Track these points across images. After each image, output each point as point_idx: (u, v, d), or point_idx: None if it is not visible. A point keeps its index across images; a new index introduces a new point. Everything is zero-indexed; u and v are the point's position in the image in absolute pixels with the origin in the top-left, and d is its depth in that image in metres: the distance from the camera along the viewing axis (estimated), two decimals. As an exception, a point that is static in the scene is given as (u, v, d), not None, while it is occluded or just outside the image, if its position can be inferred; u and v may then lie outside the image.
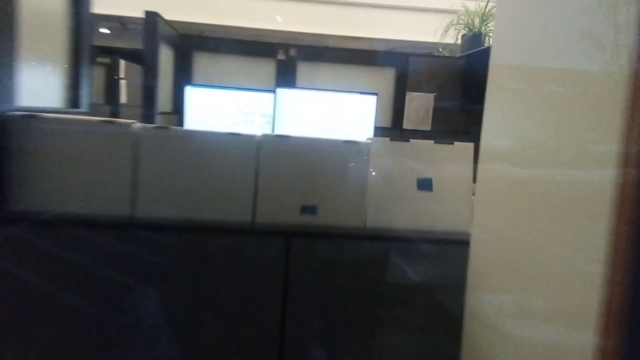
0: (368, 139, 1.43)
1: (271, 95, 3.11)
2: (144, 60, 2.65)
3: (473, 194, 1.34)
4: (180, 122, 2.95)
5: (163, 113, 2.88)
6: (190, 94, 2.88)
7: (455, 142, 1.40)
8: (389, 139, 1.39)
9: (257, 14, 6.53)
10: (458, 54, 3.79)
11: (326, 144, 1.39)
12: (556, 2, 0.89)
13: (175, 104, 3.16)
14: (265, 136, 1.38)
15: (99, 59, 4.68)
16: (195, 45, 3.29)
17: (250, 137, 1.37)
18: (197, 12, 6.44)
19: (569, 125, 0.80)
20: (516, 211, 0.99)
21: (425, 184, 1.34)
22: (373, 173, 1.38)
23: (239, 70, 3.40)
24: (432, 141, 1.41)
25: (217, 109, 2.98)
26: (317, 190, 1.36)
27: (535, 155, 0.93)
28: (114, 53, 4.66)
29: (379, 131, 3.14)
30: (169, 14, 3.17)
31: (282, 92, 3.12)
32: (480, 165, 1.23)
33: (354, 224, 1.35)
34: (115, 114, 3.51)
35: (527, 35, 1.05)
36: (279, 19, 6.57)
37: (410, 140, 1.41)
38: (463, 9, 3.85)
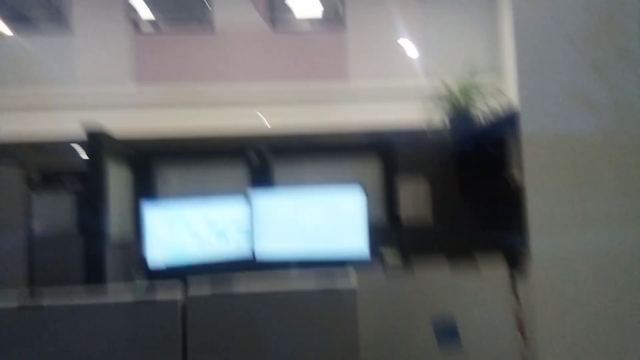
0: (354, 275, 0.99)
1: (245, 203, 2.72)
2: (88, 183, 2.27)
3: (524, 338, 0.88)
4: (141, 249, 2.51)
5: (116, 243, 2.44)
6: (152, 214, 2.48)
7: (481, 266, 0.97)
8: (383, 272, 0.95)
9: (226, 119, 6.38)
10: (444, 132, 3.49)
11: (291, 298, 0.96)
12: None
13: (136, 228, 2.74)
14: (193, 298, 0.94)
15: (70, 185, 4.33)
16: (155, 159, 2.95)
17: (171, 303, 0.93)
18: (158, 126, 6.28)
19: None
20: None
21: (447, 337, 0.89)
22: (365, 331, 0.92)
23: (208, 181, 3.04)
24: (447, 269, 0.97)
25: (184, 228, 2.56)
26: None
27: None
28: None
29: (374, 231, 2.72)
30: (132, 129, 2.90)
31: (257, 195, 2.74)
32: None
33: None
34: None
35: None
36: (262, 117, 6.41)
37: (417, 270, 0.98)
38: (443, 87, 3.62)
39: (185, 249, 2.56)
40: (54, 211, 3.63)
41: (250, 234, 2.69)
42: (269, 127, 6.34)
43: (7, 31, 6.58)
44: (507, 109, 2.58)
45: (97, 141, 2.32)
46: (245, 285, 1.06)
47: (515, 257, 1.15)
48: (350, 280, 1.00)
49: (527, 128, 0.94)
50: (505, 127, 2.50)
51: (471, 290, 1.00)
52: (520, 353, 0.95)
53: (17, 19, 6.81)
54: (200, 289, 1.08)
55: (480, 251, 2.88)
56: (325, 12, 7.58)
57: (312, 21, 7.76)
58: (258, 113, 6.45)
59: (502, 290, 0.97)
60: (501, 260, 1.02)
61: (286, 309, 0.98)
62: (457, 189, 3.01)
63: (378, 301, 0.96)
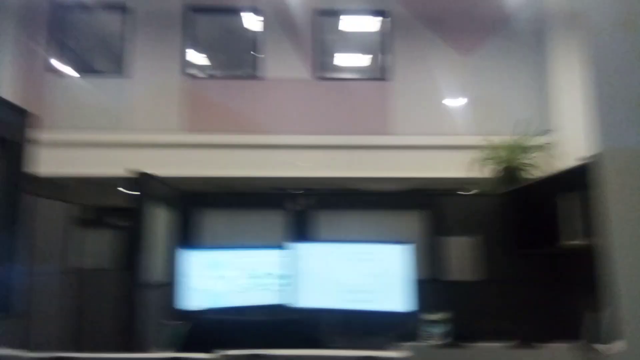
0: (401, 349, 0.90)
1: (283, 252, 2.66)
2: (131, 223, 2.28)
3: None
4: (177, 292, 2.48)
5: (153, 283, 2.42)
6: (189, 258, 2.46)
7: (541, 345, 0.86)
8: (432, 344, 0.86)
9: (268, 163, 6.45)
10: (489, 191, 3.38)
11: None
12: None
13: (174, 270, 2.72)
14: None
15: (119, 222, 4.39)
16: (197, 203, 2.96)
17: None
18: (201, 167, 6.40)
19: None
20: None
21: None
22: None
23: (248, 227, 3.01)
24: (498, 344, 0.87)
25: (221, 272, 2.52)
26: None
27: None
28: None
29: (417, 285, 2.59)
30: (168, 171, 2.93)
31: (297, 246, 2.68)
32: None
33: None
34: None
35: None
36: (302, 165, 6.44)
37: (468, 344, 0.88)
38: (487, 143, 3.55)
39: (220, 294, 2.50)
40: (98, 246, 3.68)
41: (288, 283, 2.62)
42: (310, 176, 6.35)
43: (67, 71, 7.02)
44: (558, 170, 2.47)
45: (142, 183, 2.35)
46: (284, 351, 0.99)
47: (586, 328, 1.03)
48: (399, 351, 0.91)
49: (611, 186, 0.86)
50: (556, 187, 2.38)
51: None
52: None
53: (77, 62, 7.28)
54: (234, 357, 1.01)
55: (531, 314, 2.69)
56: (371, 65, 7.74)
57: (358, 72, 7.93)
58: (299, 163, 6.51)
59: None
60: (569, 346, 0.91)
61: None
62: (508, 249, 2.85)
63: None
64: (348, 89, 7.31)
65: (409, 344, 0.92)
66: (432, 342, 0.84)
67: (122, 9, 7.16)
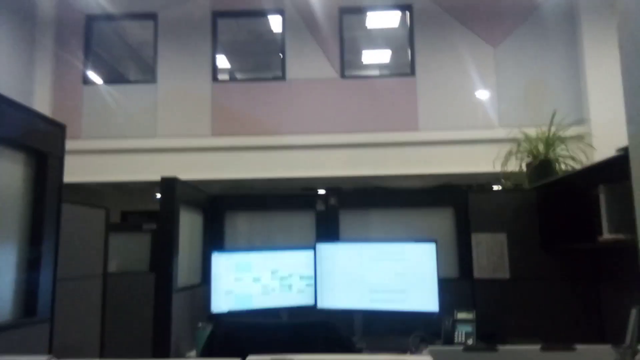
0: (429, 353, 0.88)
1: (310, 253, 2.67)
2: (160, 228, 2.33)
3: None
4: (205, 294, 2.52)
5: (184, 286, 2.46)
6: (218, 260, 2.49)
7: (577, 346, 0.83)
8: (462, 348, 0.84)
9: (296, 164, 6.48)
10: (524, 184, 3.28)
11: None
12: None
13: (204, 273, 2.77)
14: None
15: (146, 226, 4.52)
16: (225, 206, 3.00)
17: None
18: (230, 169, 6.48)
19: None
20: None
21: None
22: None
23: (275, 228, 3.03)
24: (537, 347, 0.84)
25: (249, 274, 2.55)
26: None
27: None
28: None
29: (444, 283, 2.55)
30: (197, 175, 2.98)
31: (323, 247, 2.68)
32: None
33: None
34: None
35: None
36: (330, 166, 6.44)
37: (500, 347, 0.85)
38: (522, 136, 3.44)
39: (248, 296, 2.53)
40: (128, 250, 3.79)
41: (314, 283, 2.62)
42: (338, 175, 6.35)
43: (100, 81, 7.24)
44: (595, 162, 2.37)
45: (171, 187, 2.39)
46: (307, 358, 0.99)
47: (629, 328, 0.98)
48: (423, 355, 0.89)
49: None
50: (593, 180, 2.29)
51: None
52: None
53: (109, 71, 7.50)
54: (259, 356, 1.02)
55: (564, 314, 2.60)
56: (396, 60, 7.66)
57: (384, 68, 7.86)
58: (327, 163, 6.51)
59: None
60: (588, 337, 0.87)
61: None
62: (538, 245, 2.77)
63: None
64: (374, 86, 7.27)
65: (433, 347, 0.90)
66: (457, 345, 0.82)
67: (150, 17, 7.33)
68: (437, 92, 6.95)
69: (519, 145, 3.45)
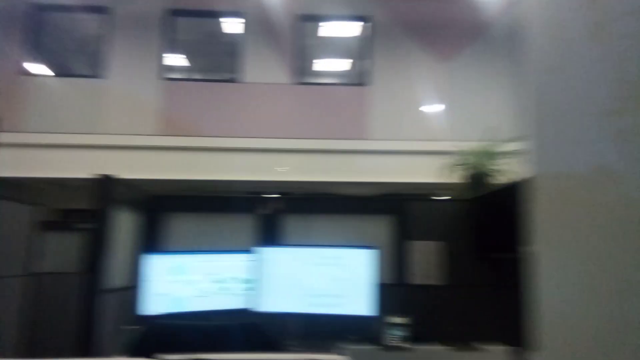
0: (345, 352, 0.90)
1: (249, 256, 2.65)
2: (93, 226, 2.25)
3: None
4: (137, 297, 2.45)
5: (114, 288, 2.39)
6: (150, 262, 2.43)
7: (482, 347, 0.87)
8: (376, 347, 0.86)
9: (245, 166, 6.43)
10: (462, 196, 3.41)
11: None
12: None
13: (136, 275, 2.69)
14: None
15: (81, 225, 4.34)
16: (165, 206, 2.94)
17: None
18: (177, 170, 6.35)
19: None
20: None
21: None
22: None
23: (216, 231, 2.99)
24: (443, 347, 0.88)
25: (183, 277, 2.50)
26: None
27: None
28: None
29: (382, 288, 2.60)
30: (143, 174, 2.90)
31: (263, 251, 2.67)
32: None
33: None
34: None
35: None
36: (280, 170, 6.43)
37: (412, 346, 0.88)
38: (458, 149, 3.58)
39: (182, 298, 2.48)
40: (61, 249, 3.63)
41: (252, 287, 2.60)
42: (287, 180, 6.35)
43: (42, 73, 6.93)
44: (523, 178, 2.50)
45: (106, 185, 2.32)
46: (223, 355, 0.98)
47: (522, 333, 1.04)
48: (341, 353, 0.91)
49: (544, 195, 0.88)
50: (520, 196, 2.41)
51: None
52: None
53: (53, 63, 7.18)
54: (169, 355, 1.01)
55: (491, 322, 2.71)
56: (352, 70, 7.78)
57: (337, 76, 7.96)
58: (278, 168, 6.50)
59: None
60: (505, 340, 0.92)
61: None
62: (472, 254, 2.88)
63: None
64: (327, 93, 7.34)
65: (349, 346, 0.92)
66: (374, 345, 0.84)
67: (100, 11, 7.10)
68: (387, 103, 7.10)
69: (455, 158, 3.59)
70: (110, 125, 6.69)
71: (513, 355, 0.84)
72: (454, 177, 3.60)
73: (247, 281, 2.62)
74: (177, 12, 7.32)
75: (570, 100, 0.85)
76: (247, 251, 2.66)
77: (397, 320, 2.48)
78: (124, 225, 2.57)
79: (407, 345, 0.89)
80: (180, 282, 2.48)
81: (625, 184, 0.65)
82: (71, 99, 6.82)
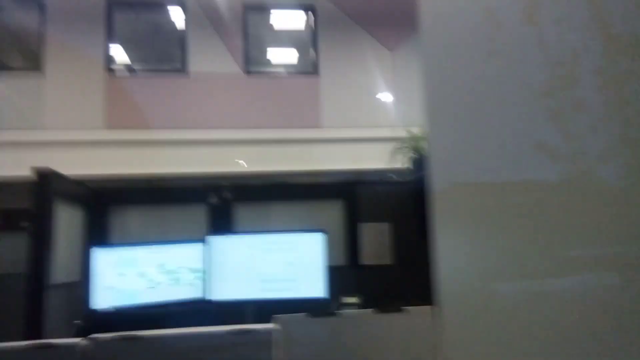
0: (274, 321, 0.96)
1: (200, 246, 2.66)
2: (33, 224, 2.20)
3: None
4: (85, 292, 2.41)
5: (60, 284, 2.35)
6: (98, 256, 2.40)
7: (405, 308, 0.95)
8: (304, 314, 0.93)
9: (197, 160, 6.36)
10: (408, 179, 3.53)
11: (203, 339, 0.92)
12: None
13: (84, 270, 2.65)
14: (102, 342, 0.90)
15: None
16: (111, 201, 2.89)
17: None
18: (125, 165, 6.21)
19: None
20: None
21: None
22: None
23: (166, 222, 2.98)
24: (369, 310, 0.95)
25: (133, 269, 2.48)
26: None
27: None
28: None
29: (333, 271, 2.68)
30: (89, 170, 2.84)
31: (215, 240, 2.69)
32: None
33: None
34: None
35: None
36: (242, 163, 6.39)
37: (339, 312, 0.95)
38: (406, 134, 3.70)
39: (133, 291, 2.47)
40: (5, 250, 3.50)
41: (205, 276, 2.62)
42: (239, 171, 6.33)
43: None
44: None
45: (46, 181, 2.27)
46: (154, 329, 1.02)
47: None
48: (269, 322, 0.97)
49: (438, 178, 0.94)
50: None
51: (396, 331, 0.97)
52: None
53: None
54: (105, 333, 1.04)
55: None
56: (300, 59, 7.81)
57: (287, 68, 7.97)
58: (238, 160, 6.47)
59: (426, 335, 0.95)
60: (428, 307, 1.01)
61: (199, 351, 0.93)
62: (417, 233, 3.01)
63: (300, 342, 0.93)
64: (278, 83, 7.35)
65: (279, 316, 0.97)
66: (303, 314, 0.90)
67: (38, 3, 6.79)
68: (338, 92, 7.19)
69: (406, 142, 3.71)
70: (53, 121, 6.44)
71: (433, 314, 0.92)
72: (401, 162, 3.73)
73: (200, 271, 2.63)
74: (120, 3, 7.10)
75: (507, 83, 0.88)
76: (198, 241, 2.67)
77: (349, 300, 2.57)
78: (68, 221, 2.52)
79: (332, 311, 0.96)
80: (130, 274, 2.46)
81: (563, 161, 0.68)
82: (8, 93, 6.50)
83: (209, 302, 2.58)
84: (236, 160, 6.39)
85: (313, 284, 2.66)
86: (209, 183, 3.18)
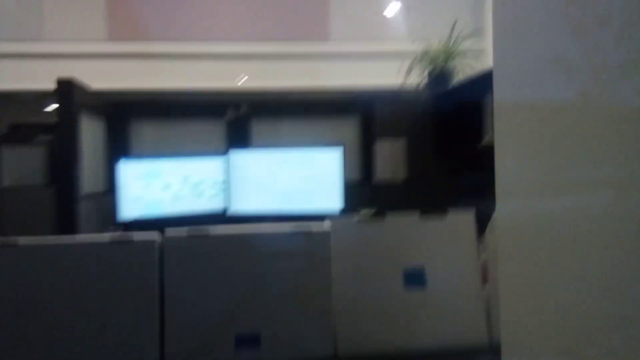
0: (328, 221, 1.00)
1: (222, 160, 2.71)
2: (58, 135, 2.22)
3: (484, 282, 0.92)
4: (111, 203, 2.49)
5: (88, 195, 2.42)
6: (126, 168, 2.45)
7: (448, 213, 0.99)
8: (356, 220, 0.97)
9: (203, 74, 6.22)
10: (423, 94, 3.49)
11: (266, 240, 0.97)
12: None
13: (109, 181, 2.71)
14: (170, 238, 0.95)
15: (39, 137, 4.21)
16: (132, 114, 2.88)
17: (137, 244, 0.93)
18: (135, 78, 6.09)
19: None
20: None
21: (415, 278, 0.92)
22: (338, 273, 0.95)
23: (184, 137, 3.00)
24: (416, 216, 1.00)
25: (158, 181, 2.54)
26: (260, 311, 0.92)
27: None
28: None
29: (348, 186, 2.74)
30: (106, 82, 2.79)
31: (235, 154, 2.72)
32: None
33: (318, 355, 0.90)
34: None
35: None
36: (240, 80, 6.28)
37: (387, 218, 1.00)
38: (419, 48, 3.60)
39: (158, 203, 2.54)
40: (24, 163, 3.54)
41: (226, 189, 2.69)
42: (250, 85, 6.23)
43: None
44: (485, 71, 2.59)
45: (69, 92, 2.25)
46: (221, 228, 1.08)
47: (484, 215, 1.18)
48: (324, 225, 1.02)
49: (501, 91, 0.94)
50: (482, 88, 2.52)
51: (439, 236, 1.03)
52: (481, 297, 0.99)
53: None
54: (177, 231, 1.10)
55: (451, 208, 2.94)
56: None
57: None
58: (242, 74, 6.33)
59: (469, 238, 1.00)
60: (470, 212, 1.05)
61: (261, 249, 0.99)
62: (432, 149, 3.04)
63: (350, 244, 0.99)
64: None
65: (332, 219, 1.02)
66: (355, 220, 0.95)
67: None
68: (349, 2, 6.87)
69: (422, 56, 3.62)
70: (54, 32, 6.21)
71: (478, 228, 0.97)
72: (416, 77, 3.67)
73: (221, 183, 2.69)
74: None
75: None
76: (218, 154, 2.70)
77: (363, 213, 2.66)
78: (90, 133, 2.53)
79: (380, 217, 1.02)
80: (154, 186, 2.52)
81: (581, 77, 0.67)
82: (7, 3, 6.21)
83: (228, 214, 2.66)
84: (240, 74, 6.26)
85: (330, 198, 2.73)
86: (225, 98, 3.16)
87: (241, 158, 2.71)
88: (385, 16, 6.97)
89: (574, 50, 0.69)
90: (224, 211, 2.68)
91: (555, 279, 0.78)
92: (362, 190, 2.97)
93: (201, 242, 1.03)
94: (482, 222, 1.09)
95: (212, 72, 6.27)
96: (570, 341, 0.76)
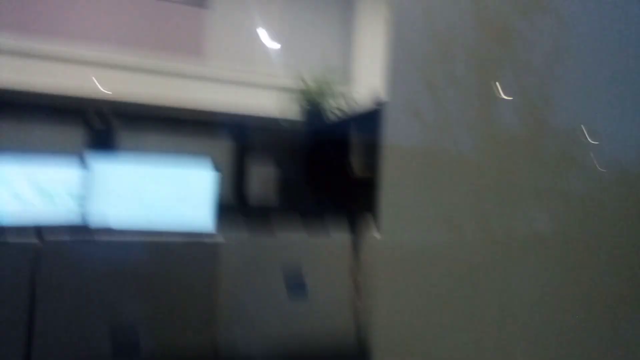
0: (217, 234, 1.02)
1: (80, 165, 2.49)
2: None
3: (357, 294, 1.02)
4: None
5: None
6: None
7: (330, 235, 1.09)
8: (246, 233, 1.00)
9: (63, 77, 5.67)
10: (297, 128, 3.67)
11: (159, 246, 0.95)
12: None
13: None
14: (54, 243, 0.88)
15: None
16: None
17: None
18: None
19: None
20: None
21: (297, 288, 0.98)
22: (226, 280, 0.97)
23: (38, 138, 2.70)
24: (304, 233, 1.07)
25: (2, 189, 2.25)
26: (141, 318, 0.89)
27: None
28: None
29: (220, 208, 2.71)
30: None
31: (95, 160, 2.52)
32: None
33: (198, 351, 0.90)
34: None
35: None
36: (95, 81, 5.82)
37: (277, 234, 1.05)
38: (296, 84, 3.81)
39: (2, 209, 2.24)
40: None
41: (84, 199, 2.47)
42: (105, 92, 5.79)
43: None
44: (353, 113, 2.84)
45: None
46: (106, 235, 1.02)
47: (355, 236, 1.29)
48: (215, 237, 1.03)
49: (389, 135, 1.06)
50: (348, 128, 2.76)
51: (320, 253, 1.11)
52: (354, 305, 1.09)
53: None
54: (58, 235, 1.00)
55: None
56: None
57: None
58: (93, 78, 5.87)
59: (345, 257, 1.10)
60: (348, 235, 1.15)
61: (153, 257, 0.96)
62: (302, 174, 3.19)
63: (240, 255, 1.01)
64: (161, 9, 6.79)
65: (226, 233, 1.03)
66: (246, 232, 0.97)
67: None
68: (227, 28, 6.92)
69: (296, 89, 3.81)
70: None
71: (354, 246, 1.06)
72: (291, 111, 3.83)
73: (76, 191, 2.46)
74: None
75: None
76: (74, 160, 2.47)
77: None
78: None
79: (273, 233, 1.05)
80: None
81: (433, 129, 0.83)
82: None
83: (85, 225, 2.42)
84: (93, 78, 5.84)
85: (199, 214, 2.66)
86: (87, 102, 2.94)
87: (103, 165, 2.53)
88: (263, 45, 7.16)
89: (427, 104, 0.81)
90: (80, 221, 2.44)
91: (423, 299, 0.90)
92: (233, 209, 2.97)
93: (83, 247, 0.96)
94: (355, 245, 1.20)
95: (75, 72, 5.74)
96: (429, 346, 0.89)
